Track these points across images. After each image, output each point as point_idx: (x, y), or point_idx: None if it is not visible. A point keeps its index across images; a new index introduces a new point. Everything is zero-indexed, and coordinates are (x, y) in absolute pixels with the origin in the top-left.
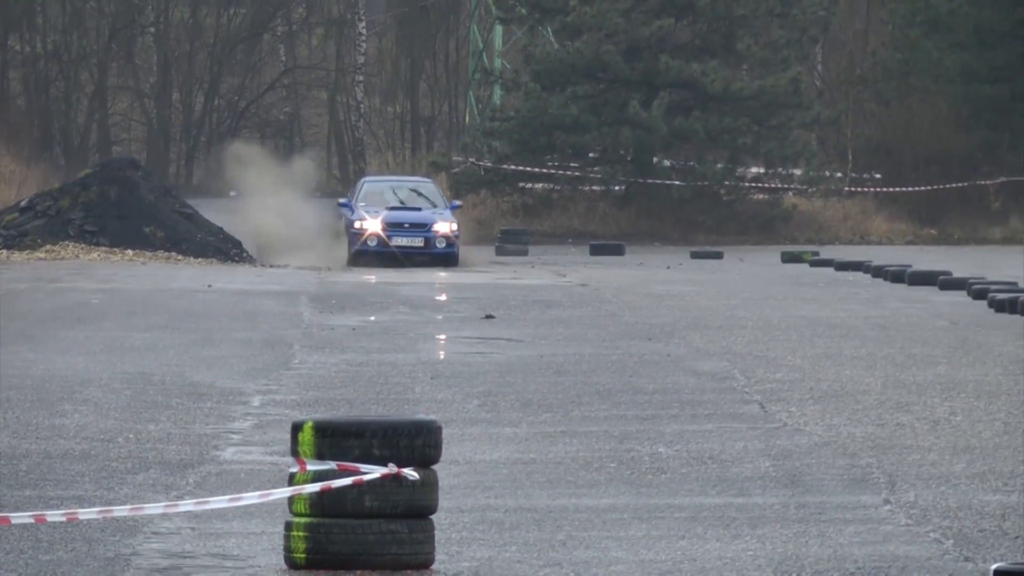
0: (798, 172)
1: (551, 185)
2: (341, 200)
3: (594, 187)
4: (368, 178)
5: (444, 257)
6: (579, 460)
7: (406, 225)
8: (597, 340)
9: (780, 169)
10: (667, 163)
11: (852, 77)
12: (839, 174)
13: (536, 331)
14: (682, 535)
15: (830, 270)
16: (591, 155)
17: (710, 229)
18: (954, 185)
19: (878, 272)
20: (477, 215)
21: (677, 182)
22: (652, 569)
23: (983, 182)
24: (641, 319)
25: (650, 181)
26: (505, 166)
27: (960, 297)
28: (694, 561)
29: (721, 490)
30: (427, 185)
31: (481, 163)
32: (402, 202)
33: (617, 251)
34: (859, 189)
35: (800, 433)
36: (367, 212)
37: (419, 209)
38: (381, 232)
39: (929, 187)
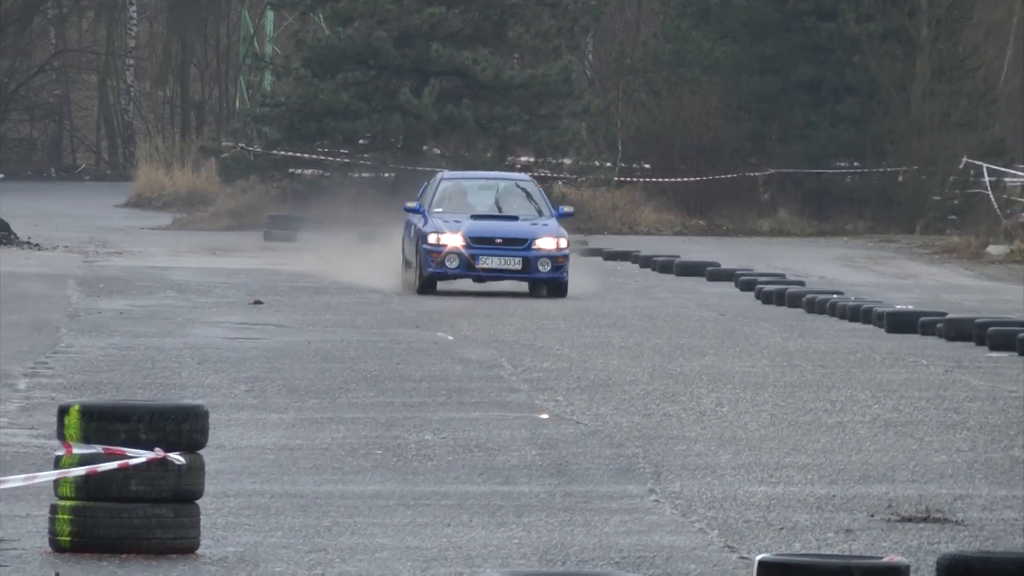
0: (568, 162)
1: (321, 171)
2: (409, 204)
3: (364, 174)
4: (446, 173)
5: (549, 284)
6: (345, 447)
7: (498, 241)
8: (365, 327)
9: (550, 158)
10: (437, 151)
11: (623, 67)
12: (608, 164)
13: (304, 317)
14: (448, 523)
15: (599, 259)
16: (361, 142)
17: None
18: (723, 176)
19: (646, 262)
20: (247, 201)
21: (447, 170)
22: (417, 556)
23: (752, 174)
24: (409, 307)
25: (420, 168)
26: (275, 152)
27: (728, 288)
28: (459, 549)
29: (487, 478)
30: (527, 184)
31: (251, 148)
32: (499, 208)
33: (386, 238)
34: (628, 179)
35: (567, 422)
36: (444, 222)
37: (515, 218)
38: (463, 249)
39: (698, 178)
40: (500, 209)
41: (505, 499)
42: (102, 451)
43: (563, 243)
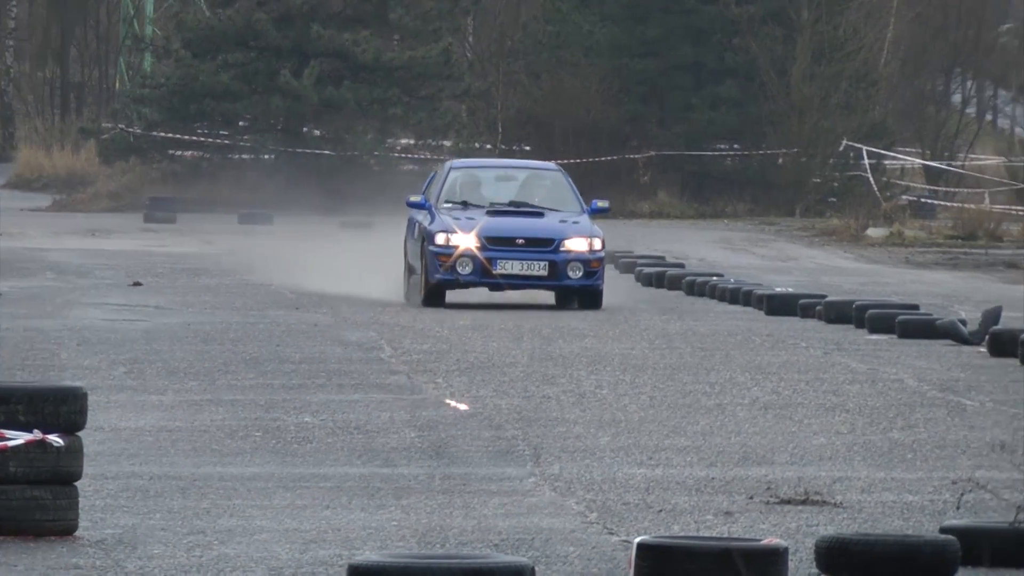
0: (448, 144)
1: (201, 153)
2: (413, 198)
3: (244, 156)
4: (456, 162)
5: (580, 293)
6: (225, 429)
7: (519, 241)
8: (245, 308)
9: (430, 140)
10: (317, 132)
11: (503, 49)
12: (489, 146)
13: (184, 299)
14: (327, 505)
15: None
16: (241, 123)
17: (360, 199)
18: (603, 159)
19: None
20: (126, 182)
21: (327, 152)
22: (296, 538)
23: (632, 156)
24: (289, 288)
25: (300, 150)
26: (155, 133)
27: (608, 271)
28: (338, 531)
29: (366, 460)
30: (554, 174)
31: (131, 130)
32: (515, 203)
33: (266, 220)
34: None
35: (446, 405)
36: (455, 219)
37: (540, 214)
38: (478, 252)
39: (579, 160)
40: (519, 203)
41: (384, 481)
42: None
43: (597, 244)
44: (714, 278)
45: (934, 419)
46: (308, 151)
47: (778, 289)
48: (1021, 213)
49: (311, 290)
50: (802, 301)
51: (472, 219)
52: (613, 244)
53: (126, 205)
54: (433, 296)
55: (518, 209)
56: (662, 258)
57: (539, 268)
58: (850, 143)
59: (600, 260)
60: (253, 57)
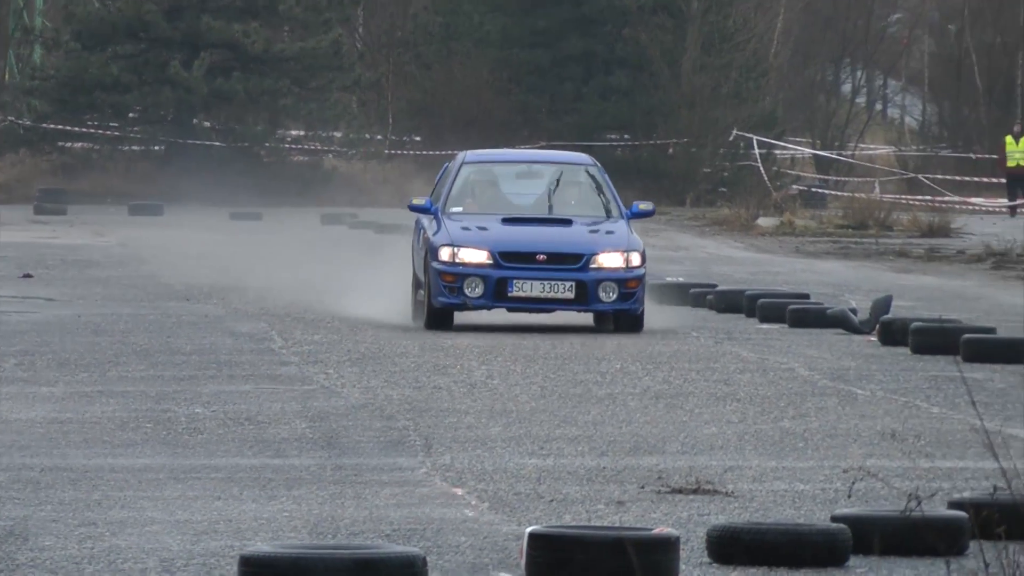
0: (338, 135)
1: (91, 144)
2: (415, 200)
3: (134, 147)
4: (470, 155)
5: (617, 319)
6: (116, 420)
7: (541, 257)
8: (135, 300)
9: (321, 131)
10: (207, 124)
11: (393, 40)
12: (379, 137)
13: (74, 290)
14: (218, 496)
15: (370, 232)
16: (131, 115)
17: (251, 190)
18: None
19: None
20: (16, 174)
21: (217, 143)
22: (188, 529)
23: (522, 146)
24: (180, 280)
25: (190, 142)
26: (44, 125)
27: None
28: (230, 522)
29: (258, 451)
30: (589, 169)
31: (20, 122)
32: (545, 205)
33: (157, 211)
34: (399, 152)
35: (337, 395)
36: (464, 229)
37: (567, 222)
38: (491, 270)
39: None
40: (547, 208)
41: (276, 472)
42: None
43: (635, 259)
44: None
45: (825, 408)
46: (198, 142)
47: (669, 279)
48: (911, 202)
49: (202, 282)
50: (693, 290)
51: (484, 229)
52: None
53: (16, 197)
54: (437, 320)
55: (541, 216)
56: None
57: (564, 289)
58: (740, 133)
59: (639, 279)
60: (143, 49)
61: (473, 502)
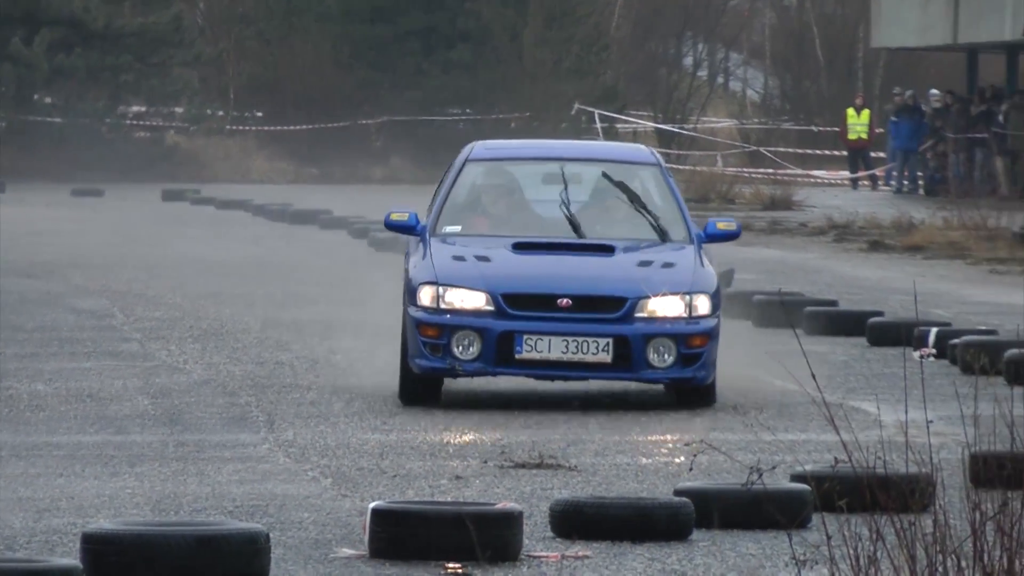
0: (180, 110)
1: None
2: (394, 215)
3: None
4: (479, 148)
5: (684, 387)
6: None
7: (563, 302)
8: None
9: (162, 107)
10: (48, 100)
11: (234, 15)
12: (220, 113)
13: None
14: (60, 473)
15: (212, 208)
16: None
17: (92, 166)
18: (335, 124)
19: (259, 211)
20: None
21: (58, 119)
22: (30, 507)
23: (364, 121)
24: (21, 256)
25: (31, 118)
26: None
27: (341, 236)
28: (72, 499)
29: (99, 428)
30: (644, 172)
31: None
32: (573, 223)
33: None
34: (240, 128)
35: (180, 371)
36: (456, 259)
37: (608, 249)
38: (491, 321)
39: (311, 126)
40: (575, 226)
41: (118, 449)
42: None
43: (703, 305)
44: None
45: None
46: (39, 119)
47: None
48: (753, 175)
49: (44, 259)
50: None
51: (485, 259)
52: (346, 210)
53: None
54: (414, 392)
55: (568, 241)
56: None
57: (597, 349)
58: (582, 107)
59: (708, 334)
60: None
61: (316, 478)
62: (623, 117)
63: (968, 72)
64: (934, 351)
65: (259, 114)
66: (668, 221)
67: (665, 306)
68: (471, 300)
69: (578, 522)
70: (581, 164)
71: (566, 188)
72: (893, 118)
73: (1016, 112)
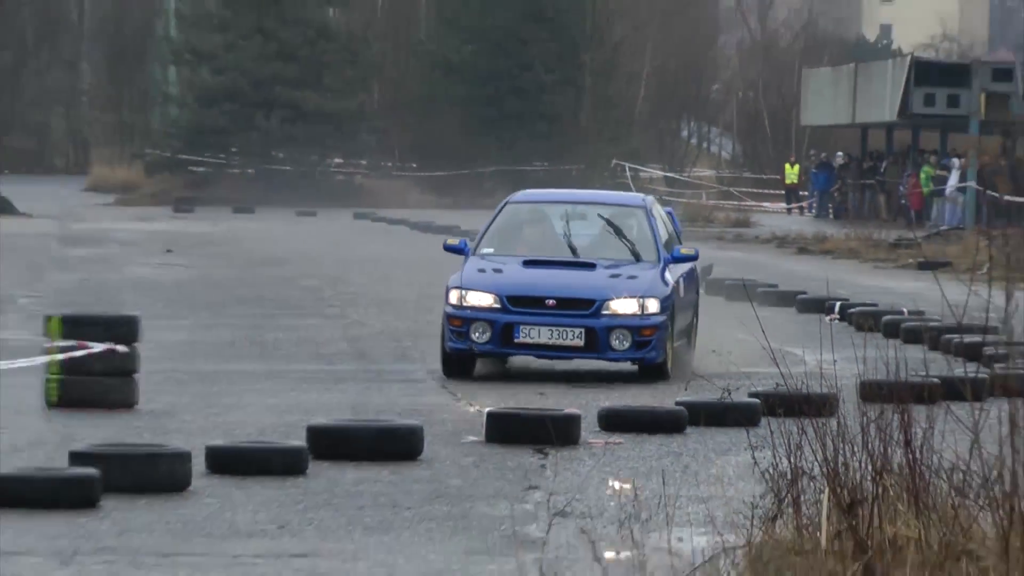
0: (364, 162)
1: (208, 168)
2: (449, 241)
3: (235, 170)
4: (519, 194)
5: (640, 365)
6: (227, 341)
7: (550, 302)
8: (237, 266)
9: (352, 160)
10: (281, 155)
11: (398, 102)
12: (389, 164)
13: (198, 260)
14: (292, 389)
15: (384, 224)
16: (233, 150)
17: (308, 198)
18: (462, 171)
19: (414, 226)
20: (162, 187)
21: (287, 167)
22: (274, 409)
23: (480, 169)
24: (266, 253)
25: (271, 167)
26: (179, 156)
27: None
28: (300, 405)
29: (316, 361)
30: (636, 212)
31: (164, 154)
32: (572, 248)
33: (250, 211)
34: (402, 173)
35: (365, 326)
36: (480, 271)
37: (590, 266)
38: (497, 315)
39: (446, 172)
40: (573, 250)
41: (328, 374)
42: (76, 344)
43: (652, 306)
44: None
45: None
46: (275, 167)
47: None
48: (725, 206)
49: (279, 255)
50: None
51: (499, 271)
52: (467, 225)
53: (161, 202)
54: (450, 365)
55: (562, 260)
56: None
57: (573, 336)
58: (617, 161)
59: (656, 326)
60: (238, 107)
61: (452, 392)
62: (643, 168)
63: (862, 141)
64: (838, 316)
65: (414, 165)
66: (643, 247)
67: (623, 306)
68: (484, 300)
69: (615, 422)
70: (587, 207)
71: (568, 223)
72: (814, 170)
73: (892, 166)
